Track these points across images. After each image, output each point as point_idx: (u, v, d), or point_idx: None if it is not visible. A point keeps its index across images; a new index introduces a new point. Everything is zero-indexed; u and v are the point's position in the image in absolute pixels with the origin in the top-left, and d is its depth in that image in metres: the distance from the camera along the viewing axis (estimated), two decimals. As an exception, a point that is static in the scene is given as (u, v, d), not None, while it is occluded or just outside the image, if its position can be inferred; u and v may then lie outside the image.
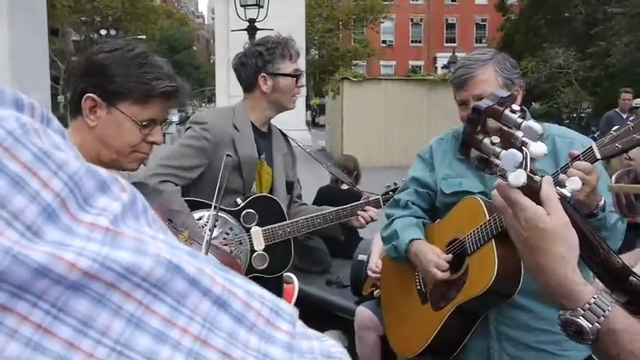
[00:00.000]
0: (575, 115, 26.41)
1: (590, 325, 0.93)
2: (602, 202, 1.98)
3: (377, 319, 3.83)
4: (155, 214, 0.52)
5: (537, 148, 0.92)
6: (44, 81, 16.08)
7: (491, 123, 0.95)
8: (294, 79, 2.75)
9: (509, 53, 2.39)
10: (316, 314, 4.55)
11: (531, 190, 0.95)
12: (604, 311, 0.93)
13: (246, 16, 14.12)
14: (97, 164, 1.49)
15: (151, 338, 0.44)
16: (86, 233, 0.44)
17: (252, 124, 2.77)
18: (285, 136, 2.98)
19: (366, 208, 2.83)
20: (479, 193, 2.29)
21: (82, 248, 0.43)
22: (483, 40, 49.13)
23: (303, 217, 2.75)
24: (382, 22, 48.80)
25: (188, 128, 2.74)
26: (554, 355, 2.25)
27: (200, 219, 2.58)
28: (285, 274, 3.68)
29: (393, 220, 2.49)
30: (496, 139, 0.94)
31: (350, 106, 20.83)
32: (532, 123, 0.93)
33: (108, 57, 1.68)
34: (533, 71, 22.92)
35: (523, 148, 0.92)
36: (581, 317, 0.94)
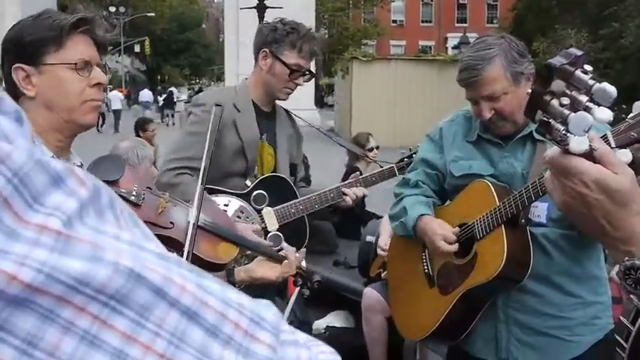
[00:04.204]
0: (586, 97, 26.13)
1: None
2: None
3: (384, 300, 3.82)
4: (125, 206, 0.47)
5: (602, 113, 0.87)
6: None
7: (555, 85, 0.90)
8: (290, 72, 2.64)
9: (520, 34, 2.34)
10: (323, 295, 4.56)
11: (588, 157, 0.92)
12: None
13: (255, -6, 14.02)
14: (56, 137, 1.46)
15: (107, 358, 0.40)
16: (33, 237, 0.39)
17: (255, 104, 2.70)
18: (290, 116, 2.91)
19: (352, 188, 2.78)
20: (489, 175, 2.26)
21: (24, 256, 0.38)
22: (495, 21, 48.69)
23: (315, 193, 2.71)
24: (393, 2, 48.34)
25: (190, 113, 2.67)
26: (564, 340, 2.23)
27: (227, 205, 2.54)
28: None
29: (402, 197, 2.46)
30: (566, 101, 0.89)
31: (359, 85, 20.76)
32: (606, 85, 0.87)
33: (15, 29, 1.64)
34: (544, 52, 22.74)
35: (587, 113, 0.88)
36: None
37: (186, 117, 2.73)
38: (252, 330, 0.46)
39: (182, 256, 1.69)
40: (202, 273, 0.47)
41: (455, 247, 2.26)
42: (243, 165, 2.63)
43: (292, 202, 2.67)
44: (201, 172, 1.97)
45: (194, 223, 1.75)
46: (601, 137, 1.84)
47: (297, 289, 3.78)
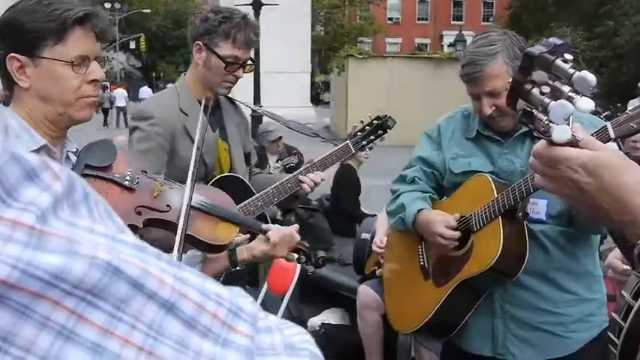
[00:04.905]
0: (581, 95, 26.16)
1: None
2: None
3: (379, 298, 3.82)
4: (99, 198, 0.46)
5: (584, 103, 0.86)
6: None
7: (537, 75, 0.90)
8: (225, 64, 2.45)
9: (516, 32, 2.32)
10: (318, 292, 4.56)
11: (572, 146, 0.91)
12: None
13: (251, -9, 14.00)
14: (50, 127, 1.42)
15: (84, 352, 0.39)
16: (7, 233, 0.38)
17: (199, 102, 2.45)
18: (233, 102, 2.74)
19: (308, 174, 2.57)
20: (488, 172, 2.26)
21: None
22: (491, 19, 48.70)
23: (272, 186, 2.53)
24: (389, -1, 48.38)
25: (135, 128, 2.45)
26: (560, 336, 2.24)
27: None
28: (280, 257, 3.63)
29: (400, 194, 2.45)
30: (546, 89, 0.88)
31: (355, 83, 20.74)
32: (585, 73, 0.87)
33: (12, 13, 1.58)
34: (540, 50, 22.73)
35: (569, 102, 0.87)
36: None
37: (130, 132, 2.50)
38: (231, 321, 0.46)
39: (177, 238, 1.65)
40: (181, 265, 0.47)
41: (457, 233, 2.25)
42: (202, 170, 2.47)
43: (250, 200, 2.51)
44: (194, 151, 1.89)
45: (187, 204, 1.68)
46: (601, 129, 1.86)
47: (292, 286, 3.77)
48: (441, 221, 2.26)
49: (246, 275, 2.41)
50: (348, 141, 2.67)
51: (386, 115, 2.74)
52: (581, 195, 0.93)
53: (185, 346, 0.43)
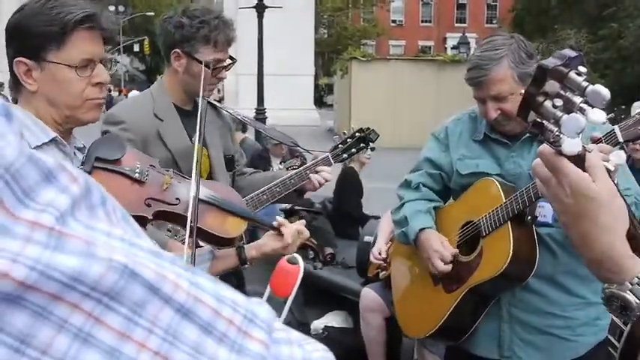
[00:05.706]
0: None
1: (638, 301, 0.88)
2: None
3: (382, 301, 3.82)
4: (117, 204, 0.46)
5: (596, 115, 0.86)
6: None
7: (549, 86, 0.89)
8: (211, 70, 2.34)
9: (520, 34, 2.32)
10: (321, 295, 4.55)
11: (579, 160, 0.90)
12: None
13: (254, -6, 14.01)
14: (57, 127, 1.44)
15: (101, 355, 0.39)
16: (26, 233, 0.38)
17: (176, 106, 2.47)
18: (214, 106, 2.64)
19: (319, 168, 2.54)
20: (495, 174, 2.26)
21: (17, 253, 0.37)
22: (494, 21, 48.70)
23: (260, 190, 2.48)
24: (392, 1, 48.39)
25: (104, 133, 2.33)
26: (566, 340, 2.23)
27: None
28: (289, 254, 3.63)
29: (404, 204, 2.45)
30: (559, 102, 0.88)
31: (358, 85, 20.76)
32: (599, 87, 0.86)
33: (19, 15, 1.59)
34: (544, 53, 22.79)
35: (580, 114, 0.87)
36: (628, 292, 0.89)
37: (101, 134, 2.38)
38: (246, 327, 0.46)
39: (187, 231, 1.66)
40: (196, 271, 0.47)
41: (449, 267, 2.27)
42: None
43: (255, 193, 2.45)
44: (195, 143, 1.87)
45: (194, 196, 1.68)
46: (609, 132, 1.86)
47: (295, 289, 3.76)
48: (438, 252, 2.27)
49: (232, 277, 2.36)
50: (328, 153, 2.63)
51: (369, 128, 2.70)
52: (564, 212, 0.92)
53: (201, 352, 0.43)
